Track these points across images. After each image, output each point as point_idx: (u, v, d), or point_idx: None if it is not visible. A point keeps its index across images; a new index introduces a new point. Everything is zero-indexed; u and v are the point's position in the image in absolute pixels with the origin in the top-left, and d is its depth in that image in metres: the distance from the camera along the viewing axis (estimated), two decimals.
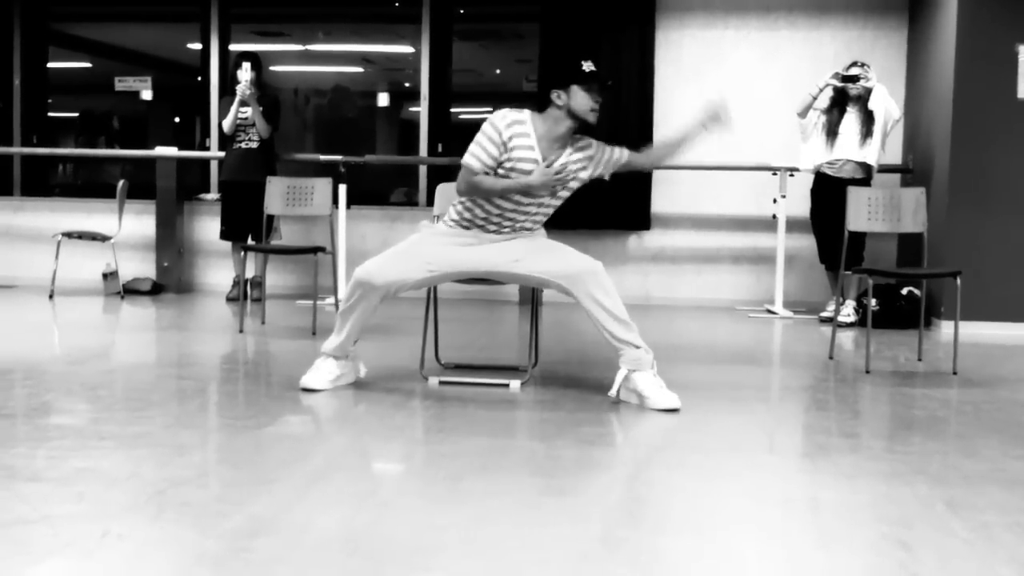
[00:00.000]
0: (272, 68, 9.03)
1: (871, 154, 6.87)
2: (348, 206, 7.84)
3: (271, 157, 7.74)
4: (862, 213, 5.56)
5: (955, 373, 5.04)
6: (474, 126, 4.39)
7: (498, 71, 9.05)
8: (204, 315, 6.98)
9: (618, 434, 3.63)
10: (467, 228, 4.27)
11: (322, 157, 8.08)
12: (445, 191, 4.92)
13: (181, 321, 6.63)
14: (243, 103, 7.54)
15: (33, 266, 8.43)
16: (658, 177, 8.14)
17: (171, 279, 8.24)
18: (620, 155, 4.35)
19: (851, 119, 6.90)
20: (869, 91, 6.85)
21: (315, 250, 6.09)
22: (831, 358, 5.46)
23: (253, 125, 7.59)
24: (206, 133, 8.83)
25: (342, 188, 7.73)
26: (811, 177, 7.19)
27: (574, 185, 4.30)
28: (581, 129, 4.26)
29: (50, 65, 9.26)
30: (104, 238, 7.78)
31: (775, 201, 7.64)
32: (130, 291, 8.04)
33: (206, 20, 8.76)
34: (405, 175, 8.91)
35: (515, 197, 4.16)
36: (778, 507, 2.78)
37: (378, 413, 3.89)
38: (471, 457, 3.24)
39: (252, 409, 3.90)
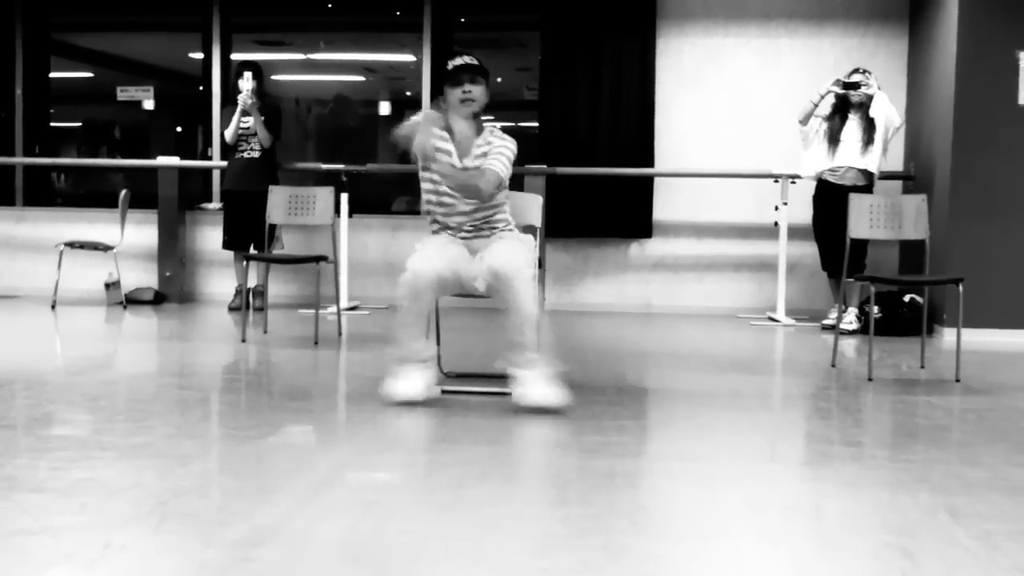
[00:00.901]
0: (274, 77, 9.04)
1: (873, 161, 6.87)
2: (350, 215, 7.84)
3: (273, 166, 7.74)
4: (864, 220, 5.56)
5: (958, 381, 5.04)
6: None
7: (499, 79, 9.06)
8: (206, 325, 6.98)
9: (619, 442, 3.63)
10: (449, 233, 4.39)
11: (324, 166, 8.09)
12: None
13: (183, 331, 6.63)
14: (245, 113, 7.55)
15: (35, 276, 8.44)
16: (659, 185, 8.14)
17: (173, 289, 8.25)
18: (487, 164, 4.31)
19: (853, 126, 6.91)
20: (870, 98, 6.86)
21: (317, 259, 6.09)
22: (833, 366, 5.46)
23: (255, 135, 7.60)
24: (208, 142, 8.84)
25: (344, 197, 7.73)
26: (813, 184, 7.19)
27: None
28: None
29: (52, 75, 9.28)
30: (106, 248, 7.78)
31: (777, 208, 7.64)
32: (132, 301, 8.05)
33: (208, 30, 8.78)
34: (407, 184, 8.91)
35: (446, 198, 4.33)
36: (781, 515, 2.78)
37: (380, 422, 3.89)
38: (473, 466, 3.24)
39: (254, 419, 3.90)
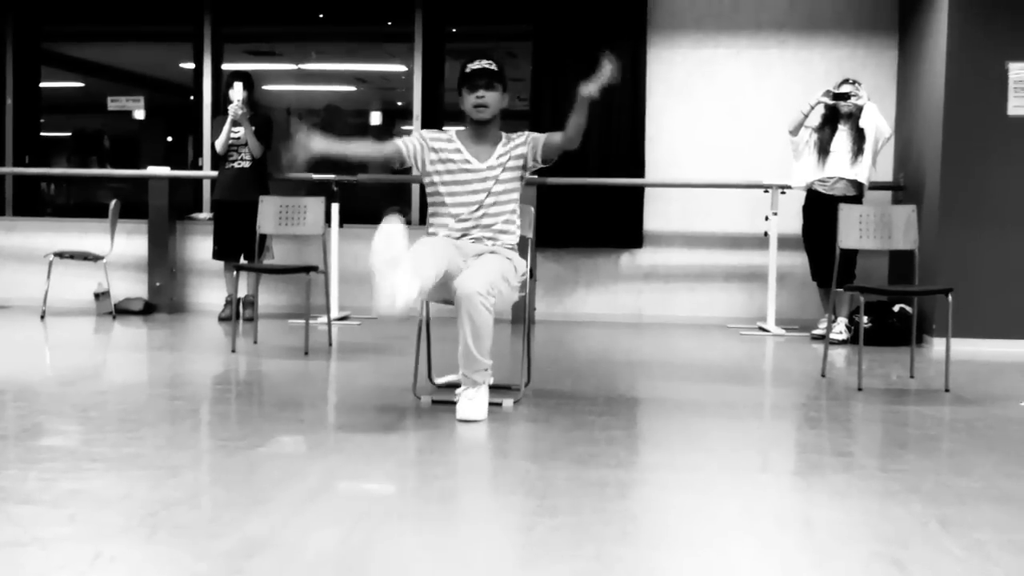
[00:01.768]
0: (265, 87, 9.04)
1: (862, 172, 6.89)
2: (341, 225, 7.84)
3: (264, 176, 7.74)
4: (853, 230, 5.57)
5: (947, 390, 5.05)
6: None
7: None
8: (196, 335, 6.97)
9: (611, 453, 3.63)
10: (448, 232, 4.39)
11: (315, 176, 8.09)
12: None
13: (173, 341, 6.61)
14: (235, 123, 7.55)
15: (25, 286, 8.41)
16: (650, 195, 8.16)
17: (163, 299, 8.23)
18: (538, 139, 4.45)
19: (842, 137, 6.93)
20: (860, 109, 6.89)
21: (308, 269, 6.09)
22: (823, 375, 5.47)
23: (245, 145, 7.60)
24: (198, 152, 8.83)
25: (335, 207, 7.73)
26: (803, 194, 7.21)
27: (508, 175, 4.40)
28: (544, 126, 4.39)
29: (42, 85, 9.27)
30: (96, 258, 7.76)
31: (767, 218, 7.66)
32: (122, 311, 8.03)
33: (199, 40, 8.78)
34: (398, 194, 8.92)
35: (448, 203, 4.35)
36: (772, 525, 2.78)
37: (371, 433, 3.88)
38: (464, 476, 3.23)
39: (245, 429, 3.89)
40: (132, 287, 8.39)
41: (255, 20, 9.07)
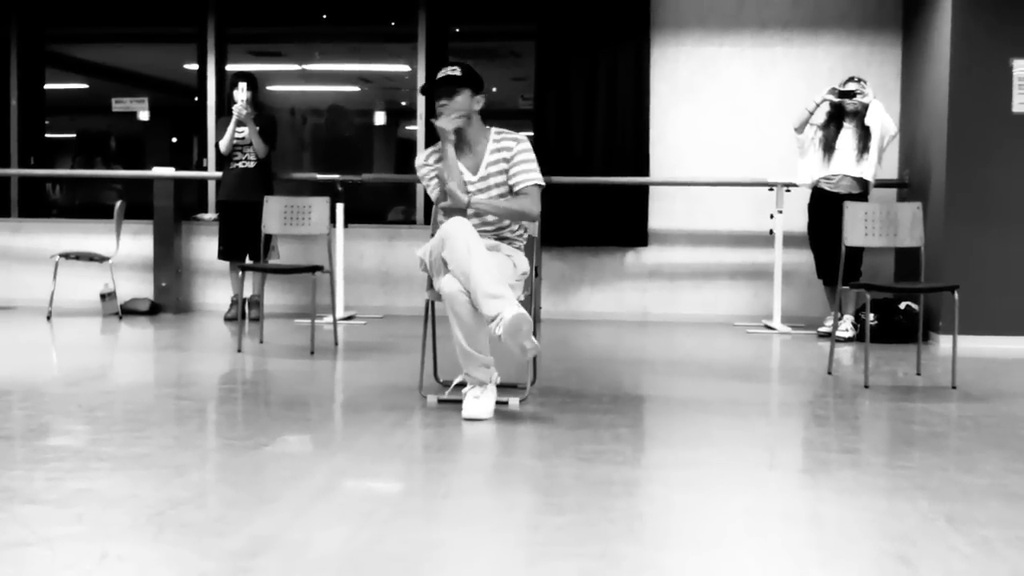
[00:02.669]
0: (269, 88, 9.05)
1: (868, 169, 6.88)
2: (346, 225, 7.84)
3: (268, 177, 7.75)
4: (859, 228, 5.56)
5: (954, 387, 5.04)
6: None
7: (494, 89, 9.07)
8: (202, 335, 6.97)
9: (617, 451, 3.63)
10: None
11: (319, 176, 8.10)
12: None
13: (179, 341, 6.62)
14: (240, 123, 7.55)
15: (31, 287, 8.43)
16: (655, 193, 8.16)
17: (169, 299, 8.24)
18: (516, 180, 4.34)
19: (848, 134, 6.92)
20: (866, 106, 6.87)
21: (313, 269, 6.09)
22: (830, 373, 5.46)
23: (250, 145, 7.60)
24: (203, 153, 8.84)
25: (339, 207, 7.73)
26: (808, 192, 7.20)
27: (499, 184, 4.37)
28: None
29: (47, 86, 9.28)
30: (102, 259, 7.77)
31: (772, 216, 7.65)
32: (128, 311, 8.04)
33: (203, 41, 8.79)
34: (402, 193, 8.93)
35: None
36: (779, 523, 2.78)
37: (377, 432, 3.88)
38: (470, 475, 3.23)
39: (251, 429, 3.90)
40: (138, 287, 8.40)
41: (259, 21, 9.08)
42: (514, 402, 4.40)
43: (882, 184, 7.38)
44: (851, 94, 6.90)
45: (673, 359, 6.03)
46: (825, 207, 6.90)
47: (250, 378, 5.22)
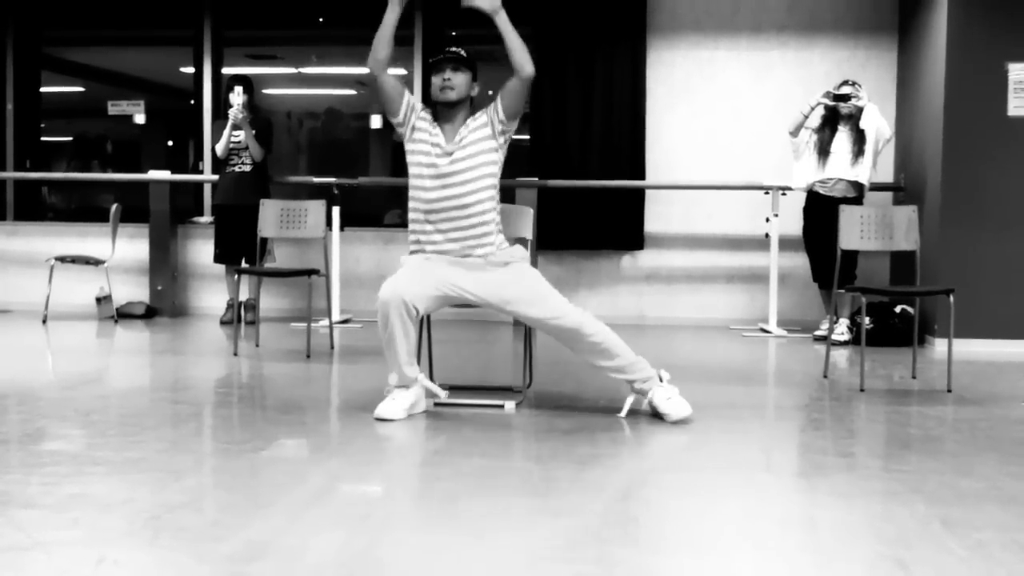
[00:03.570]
0: (265, 91, 9.05)
1: (863, 173, 6.89)
2: (342, 228, 7.84)
3: (264, 180, 7.75)
4: (854, 231, 5.57)
5: (950, 391, 5.05)
6: None
7: (490, 92, 9.07)
8: (198, 338, 6.97)
9: (613, 454, 3.63)
10: (427, 256, 4.32)
11: (315, 179, 8.10)
12: None
13: (175, 345, 6.62)
14: (236, 127, 7.55)
15: (27, 291, 8.42)
16: (651, 197, 8.16)
17: (165, 303, 8.23)
18: (501, 91, 4.46)
19: (843, 138, 6.93)
20: (860, 110, 6.88)
21: (309, 272, 6.09)
22: (826, 376, 5.47)
23: (246, 148, 7.60)
24: (199, 156, 8.84)
25: (335, 210, 7.73)
26: (803, 196, 7.21)
27: (486, 158, 4.35)
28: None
29: (43, 89, 9.27)
30: (97, 262, 7.77)
31: (768, 220, 7.66)
32: (124, 315, 8.03)
33: (199, 44, 8.78)
34: (398, 197, 8.92)
35: (431, 210, 4.29)
36: (775, 526, 2.78)
37: (373, 435, 3.88)
38: (466, 479, 3.23)
39: (247, 433, 3.90)
40: (134, 291, 8.39)
41: (255, 24, 9.08)
42: (510, 405, 4.40)
43: (877, 187, 7.39)
44: (846, 97, 6.91)
45: (670, 362, 6.02)
46: (820, 210, 6.91)
47: (246, 382, 5.22)
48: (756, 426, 4.21)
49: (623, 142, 8.07)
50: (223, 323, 7.74)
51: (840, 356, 6.37)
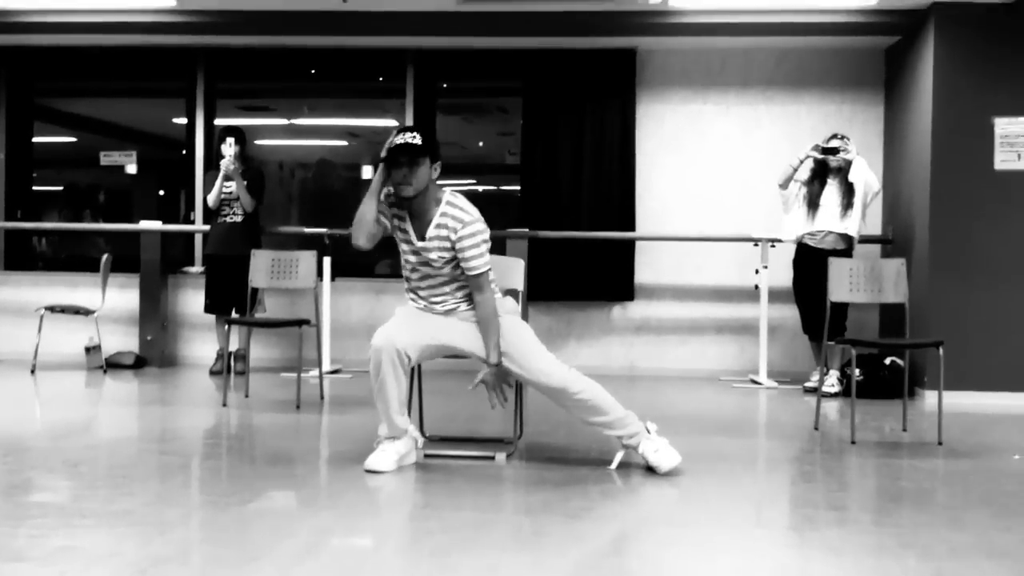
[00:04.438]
0: (257, 142, 9.09)
1: (852, 225, 6.93)
2: (333, 278, 7.84)
3: (256, 230, 7.75)
4: (844, 284, 5.59)
5: (940, 443, 5.04)
6: None
7: (481, 144, 9.13)
8: (187, 389, 6.94)
9: (605, 508, 3.61)
10: (420, 306, 4.36)
11: (307, 230, 8.10)
12: None
13: (164, 395, 6.59)
14: (227, 177, 7.58)
15: (16, 340, 8.37)
16: (641, 248, 8.19)
17: (154, 352, 8.20)
18: (461, 253, 4.24)
19: (832, 191, 6.98)
20: (849, 163, 6.94)
21: (299, 323, 6.08)
22: (816, 428, 5.46)
23: (237, 199, 7.62)
24: (191, 206, 8.85)
25: (327, 260, 7.74)
26: (793, 248, 7.25)
27: (442, 257, 4.29)
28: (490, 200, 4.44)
29: (35, 139, 9.30)
30: (87, 312, 7.75)
31: (757, 272, 7.69)
32: (113, 365, 8.00)
33: (192, 95, 8.83)
34: (390, 247, 8.89)
35: (417, 276, 4.38)
36: None
37: (363, 487, 3.86)
38: (457, 532, 3.22)
39: (236, 485, 3.87)
40: (123, 341, 8.36)
41: (248, 76, 9.13)
42: (500, 457, 4.39)
43: (866, 240, 7.43)
44: (834, 151, 6.97)
45: (661, 414, 6.00)
46: (810, 262, 6.94)
47: (235, 433, 5.19)
48: (747, 479, 4.20)
49: (613, 193, 8.11)
50: (212, 373, 7.71)
51: (830, 408, 6.37)
